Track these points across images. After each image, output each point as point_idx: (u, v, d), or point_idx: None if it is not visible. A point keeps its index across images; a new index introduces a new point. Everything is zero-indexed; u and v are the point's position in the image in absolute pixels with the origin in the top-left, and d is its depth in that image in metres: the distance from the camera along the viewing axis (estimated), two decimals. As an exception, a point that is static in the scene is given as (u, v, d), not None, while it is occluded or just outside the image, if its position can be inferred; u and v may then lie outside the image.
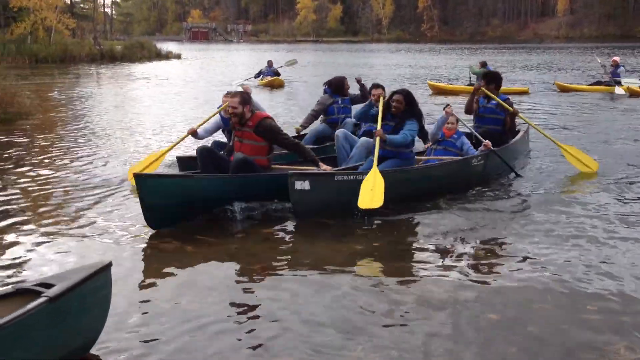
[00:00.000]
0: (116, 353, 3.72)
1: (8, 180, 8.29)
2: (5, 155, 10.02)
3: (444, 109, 8.05)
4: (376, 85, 8.60)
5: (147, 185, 5.94)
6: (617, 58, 20.71)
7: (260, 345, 3.83)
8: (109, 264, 3.56)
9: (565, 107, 16.61)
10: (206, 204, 6.38)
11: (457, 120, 8.06)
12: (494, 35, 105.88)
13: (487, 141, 7.94)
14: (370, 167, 6.88)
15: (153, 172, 6.86)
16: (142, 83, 26.11)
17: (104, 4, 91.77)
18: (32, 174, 8.69)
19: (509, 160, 8.38)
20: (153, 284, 4.81)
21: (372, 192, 6.21)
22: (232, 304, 4.42)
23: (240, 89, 9.15)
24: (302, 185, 6.29)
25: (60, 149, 10.61)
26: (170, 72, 33.81)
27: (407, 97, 7.20)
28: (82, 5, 66.40)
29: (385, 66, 37.68)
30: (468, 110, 8.82)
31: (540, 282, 4.74)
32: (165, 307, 4.36)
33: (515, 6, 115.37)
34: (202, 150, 6.82)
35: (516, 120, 9.00)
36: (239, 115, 6.65)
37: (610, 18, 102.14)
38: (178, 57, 49.59)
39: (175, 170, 7.98)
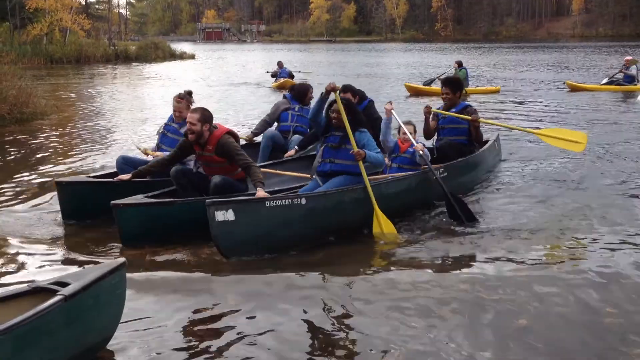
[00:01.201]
0: (129, 350, 3.77)
1: (23, 180, 8.39)
2: (19, 155, 10.13)
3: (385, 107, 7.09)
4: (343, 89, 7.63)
5: (125, 215, 5.55)
6: (629, 57, 20.55)
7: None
8: (124, 263, 3.61)
9: (572, 106, 16.50)
10: (190, 230, 5.67)
11: (415, 129, 7.05)
12: (508, 35, 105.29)
13: (418, 144, 6.79)
14: (315, 187, 6.20)
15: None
16: (156, 83, 26.26)
17: (118, 5, 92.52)
18: (45, 173, 8.80)
19: (477, 172, 7.69)
20: (165, 285, 4.86)
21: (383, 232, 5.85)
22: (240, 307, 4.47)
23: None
24: (225, 215, 5.17)
25: (74, 149, 10.73)
26: (185, 72, 33.98)
27: (348, 106, 6.33)
28: (97, 6, 67.01)
29: (397, 65, 37.65)
30: (427, 135, 7.97)
31: (536, 293, 4.50)
32: (178, 305, 4.42)
33: (530, 5, 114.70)
34: (177, 173, 6.11)
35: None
36: (197, 133, 5.93)
37: (626, 17, 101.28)
38: (192, 57, 49.84)
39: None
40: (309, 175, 6.81)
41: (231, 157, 5.97)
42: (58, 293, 3.24)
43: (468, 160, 7.50)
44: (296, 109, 8.25)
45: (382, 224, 5.89)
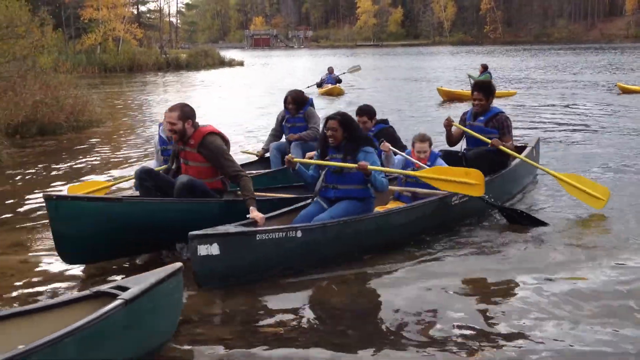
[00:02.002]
0: (186, 353, 3.85)
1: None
2: (78, 163, 10.42)
3: (379, 144, 6.34)
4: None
5: (59, 211, 4.90)
6: None
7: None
8: (180, 268, 3.69)
9: (620, 109, 16.05)
10: (141, 236, 5.15)
11: (430, 143, 6.47)
12: (560, 37, 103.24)
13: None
14: (318, 210, 5.58)
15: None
16: (207, 90, 26.63)
17: (169, 14, 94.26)
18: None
19: (508, 187, 6.89)
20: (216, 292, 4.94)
21: (467, 184, 5.48)
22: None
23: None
24: (208, 249, 4.67)
25: (128, 157, 10.96)
26: (234, 79, 34.36)
27: (344, 122, 5.65)
28: (148, 15, 68.23)
29: (442, 69, 37.29)
30: (451, 143, 7.43)
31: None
32: (230, 311, 4.50)
33: (582, 6, 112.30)
34: (140, 173, 5.54)
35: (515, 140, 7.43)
36: (179, 132, 5.50)
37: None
38: (241, 64, 50.43)
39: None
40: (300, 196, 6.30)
41: (217, 161, 5.50)
42: (118, 297, 3.33)
43: (498, 177, 6.76)
44: (286, 120, 7.88)
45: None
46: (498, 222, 6.52)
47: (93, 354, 3.14)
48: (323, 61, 32.04)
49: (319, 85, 22.58)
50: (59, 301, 3.50)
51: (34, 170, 9.73)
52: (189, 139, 5.53)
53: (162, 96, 24.40)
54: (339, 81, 22.74)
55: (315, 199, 5.78)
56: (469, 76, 20.30)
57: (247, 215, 5.15)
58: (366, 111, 7.13)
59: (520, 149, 7.61)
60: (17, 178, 9.24)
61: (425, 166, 6.28)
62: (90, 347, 3.12)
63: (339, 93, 21.79)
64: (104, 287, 3.55)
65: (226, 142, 5.72)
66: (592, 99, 18.78)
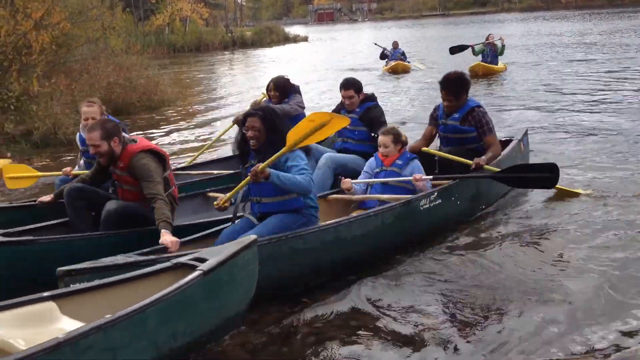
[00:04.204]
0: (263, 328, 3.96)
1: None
2: (152, 141, 10.71)
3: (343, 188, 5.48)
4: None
5: None
6: None
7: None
8: (255, 240, 3.78)
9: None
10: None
11: (396, 137, 5.53)
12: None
13: (418, 176, 5.41)
14: (240, 232, 4.50)
15: None
16: (273, 68, 26.73)
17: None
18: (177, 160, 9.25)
19: (488, 191, 6.04)
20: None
21: None
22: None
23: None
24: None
25: (200, 135, 11.20)
26: (300, 55, 34.39)
27: (267, 118, 4.59)
28: (213, -5, 68.98)
29: (510, 36, 36.05)
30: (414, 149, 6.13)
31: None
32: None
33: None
34: (70, 192, 4.86)
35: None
36: (106, 154, 4.74)
37: None
38: (305, 39, 50.50)
39: None
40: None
41: (141, 183, 4.69)
42: (197, 268, 3.44)
43: (469, 181, 5.76)
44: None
45: None
46: (476, 230, 5.66)
47: (174, 323, 3.26)
48: (386, 35, 31.07)
49: (383, 58, 20.87)
50: (141, 273, 3.64)
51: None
52: (117, 160, 4.79)
53: (229, 74, 24.74)
54: (405, 56, 20.80)
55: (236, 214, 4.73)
56: (473, 48, 17.99)
57: (159, 241, 4.31)
58: (352, 83, 6.30)
59: (505, 143, 6.64)
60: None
61: (398, 162, 5.49)
62: (172, 316, 3.24)
63: (404, 69, 20.03)
64: (184, 259, 3.68)
65: (160, 156, 4.88)
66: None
